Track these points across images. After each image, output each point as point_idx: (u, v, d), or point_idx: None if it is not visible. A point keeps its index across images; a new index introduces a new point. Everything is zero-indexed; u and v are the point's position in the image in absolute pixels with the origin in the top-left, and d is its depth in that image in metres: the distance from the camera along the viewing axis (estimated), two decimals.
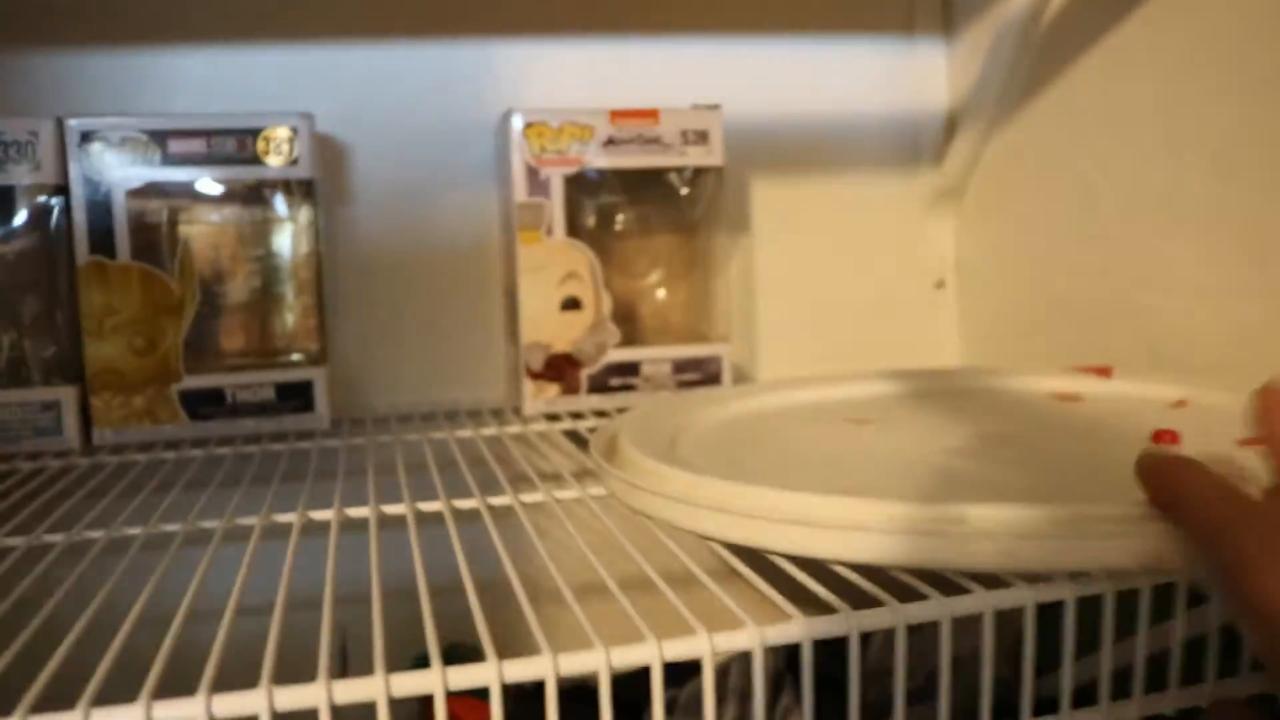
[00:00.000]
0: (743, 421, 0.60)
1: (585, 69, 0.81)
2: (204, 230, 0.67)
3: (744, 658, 0.62)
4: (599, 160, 0.72)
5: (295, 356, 0.69)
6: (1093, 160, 0.72)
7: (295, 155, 0.67)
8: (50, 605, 0.37)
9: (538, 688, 0.31)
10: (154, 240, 0.66)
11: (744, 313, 0.86)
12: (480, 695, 0.30)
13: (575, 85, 0.81)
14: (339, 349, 0.78)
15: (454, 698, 0.30)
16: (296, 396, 0.68)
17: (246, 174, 0.67)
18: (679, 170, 0.75)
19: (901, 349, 0.89)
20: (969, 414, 0.58)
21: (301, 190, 0.68)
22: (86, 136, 0.64)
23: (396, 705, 0.29)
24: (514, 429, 0.68)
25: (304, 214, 0.69)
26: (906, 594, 0.34)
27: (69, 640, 0.33)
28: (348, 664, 0.63)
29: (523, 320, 0.72)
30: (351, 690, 0.29)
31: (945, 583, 0.35)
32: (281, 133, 0.67)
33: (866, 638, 0.33)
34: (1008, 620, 0.35)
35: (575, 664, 0.31)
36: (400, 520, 0.48)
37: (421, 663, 0.30)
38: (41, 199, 0.65)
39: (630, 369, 0.74)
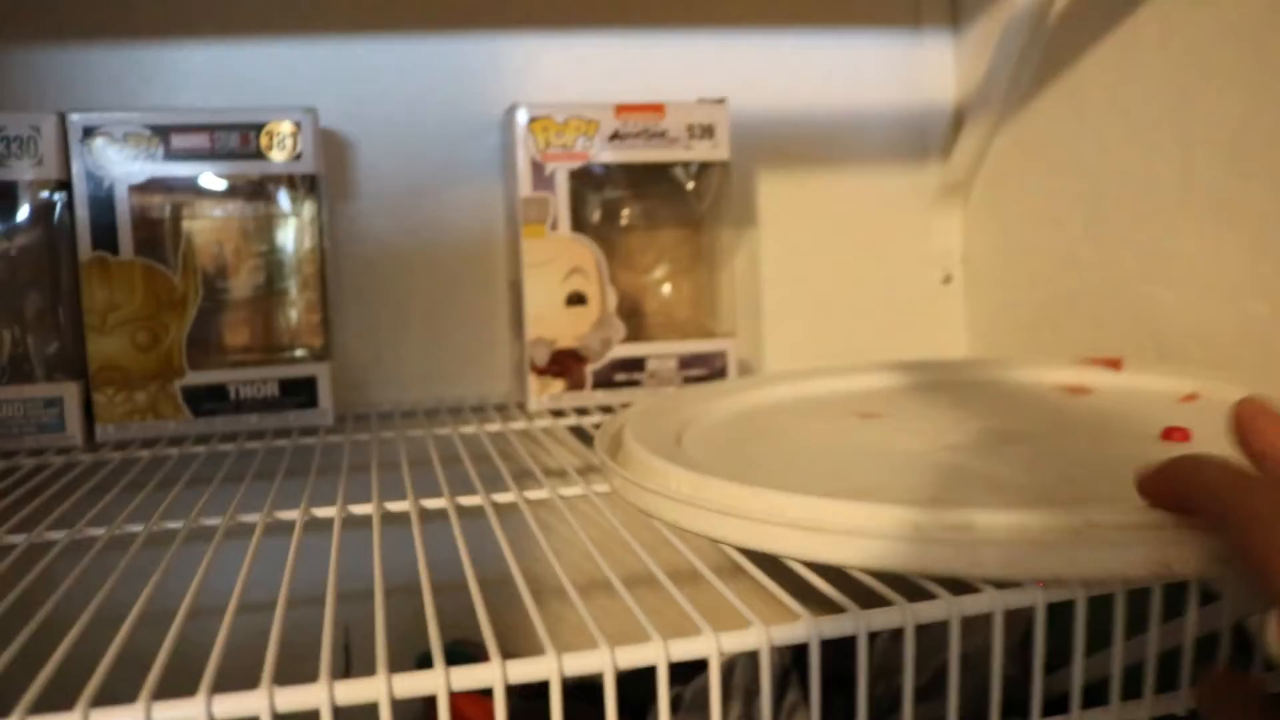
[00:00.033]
0: (749, 416, 0.59)
1: (591, 63, 0.81)
2: (207, 225, 0.67)
3: (750, 656, 0.61)
4: (604, 154, 0.72)
5: (299, 352, 0.69)
6: (1101, 154, 0.72)
7: (299, 150, 0.67)
8: (51, 603, 0.37)
9: (543, 683, 0.30)
10: (157, 236, 0.66)
11: (750, 308, 0.86)
12: (485, 690, 0.30)
13: (581, 79, 0.80)
14: (343, 345, 0.77)
15: (458, 693, 0.30)
16: (300, 392, 0.68)
17: (250, 169, 0.67)
18: (685, 165, 0.75)
19: (908, 344, 0.89)
20: (978, 408, 0.58)
21: (305, 185, 0.68)
22: (89, 132, 0.64)
23: (400, 702, 0.29)
24: (519, 425, 0.68)
25: (308, 209, 0.68)
26: (913, 591, 0.34)
27: (69, 638, 0.33)
28: (351, 661, 0.63)
29: (527, 315, 0.72)
30: (353, 691, 0.29)
31: (952, 579, 0.35)
32: (285, 127, 0.67)
33: (873, 635, 0.33)
34: (1013, 618, 0.35)
35: (580, 664, 0.30)
36: (404, 517, 0.48)
37: (425, 661, 0.30)
38: (44, 194, 0.64)
39: (635, 364, 0.74)
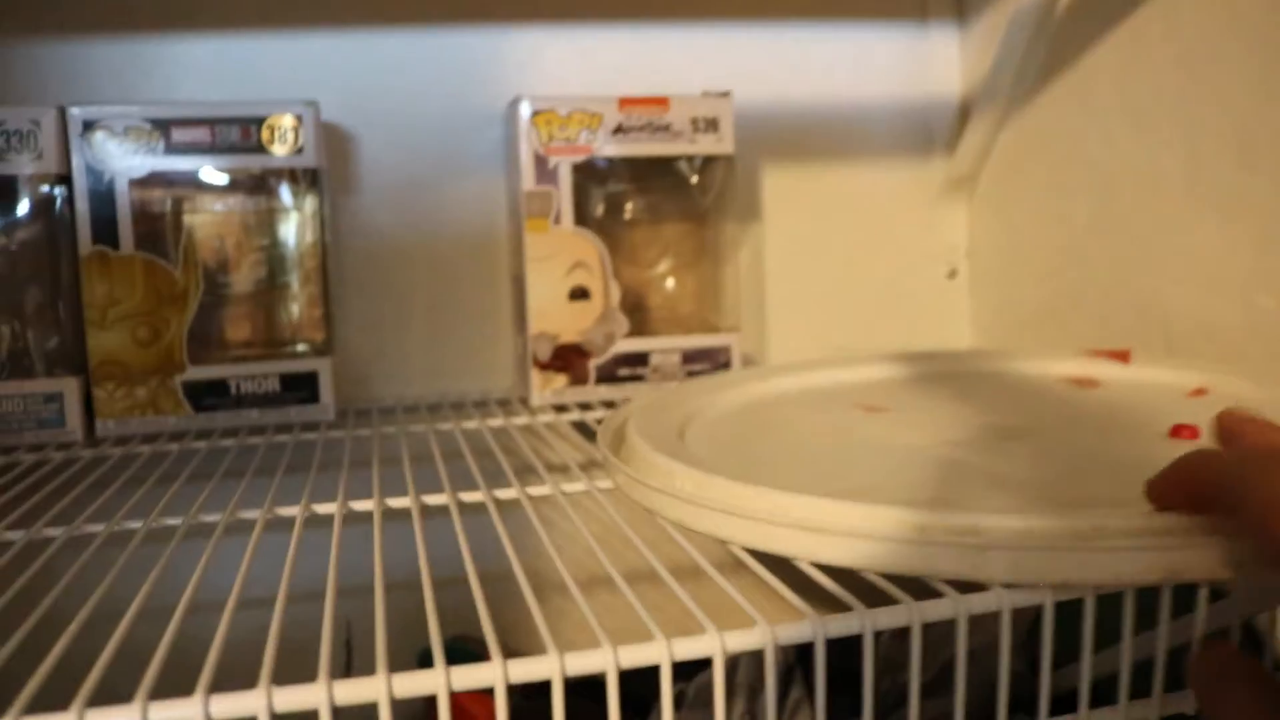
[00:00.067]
0: (754, 409, 0.59)
1: (594, 56, 0.80)
2: (208, 220, 0.67)
3: (754, 653, 0.61)
4: (608, 148, 0.71)
5: (300, 347, 0.69)
6: (1109, 147, 0.71)
7: (300, 144, 0.67)
8: (49, 599, 0.37)
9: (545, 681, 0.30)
10: (157, 230, 0.65)
11: (754, 302, 0.85)
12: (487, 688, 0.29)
13: (584, 72, 0.80)
14: (344, 340, 0.77)
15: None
16: (301, 388, 0.68)
17: (251, 163, 0.66)
18: (689, 158, 0.74)
19: (913, 339, 0.88)
20: (984, 401, 0.57)
21: (307, 179, 0.68)
22: (89, 125, 0.63)
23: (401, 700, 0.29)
24: (521, 420, 0.68)
25: (309, 203, 0.68)
26: (918, 587, 0.34)
27: (67, 635, 0.33)
28: (352, 657, 0.63)
29: (530, 310, 0.71)
30: (352, 691, 0.28)
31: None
32: (286, 121, 0.66)
33: (877, 633, 0.32)
34: (1017, 613, 0.35)
35: (582, 663, 0.30)
36: (405, 513, 0.47)
37: (426, 658, 0.30)
38: (44, 189, 0.64)
39: (639, 359, 0.73)
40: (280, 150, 0.66)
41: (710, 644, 0.31)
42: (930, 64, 0.87)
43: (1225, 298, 0.62)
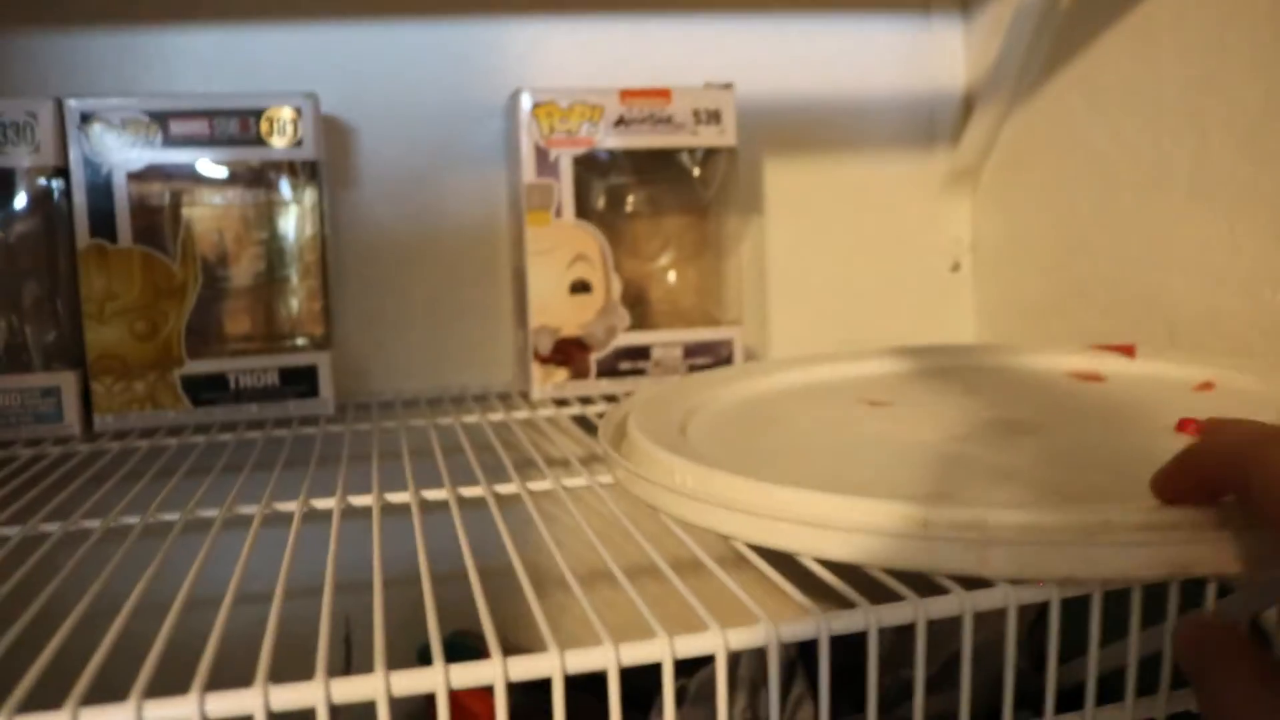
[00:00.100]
0: (756, 404, 0.59)
1: (595, 47, 0.80)
2: (207, 213, 0.66)
3: (756, 649, 0.61)
4: (609, 140, 0.71)
5: (300, 341, 0.68)
6: (1114, 140, 0.71)
7: (299, 136, 0.66)
8: (45, 595, 0.36)
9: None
10: (156, 223, 0.65)
11: (756, 296, 0.85)
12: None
13: (585, 64, 0.79)
14: (344, 333, 0.77)
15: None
16: (301, 382, 0.67)
17: (250, 155, 0.66)
18: (691, 151, 0.74)
19: (916, 333, 0.88)
20: (989, 396, 0.57)
21: (306, 172, 0.67)
22: (86, 118, 0.63)
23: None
24: (521, 414, 0.67)
25: (309, 196, 0.68)
26: (921, 582, 0.33)
27: (63, 631, 0.32)
28: (352, 653, 0.62)
29: (531, 304, 0.71)
30: (350, 689, 0.28)
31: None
32: (285, 113, 0.66)
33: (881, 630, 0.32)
34: (1020, 609, 0.34)
35: (583, 661, 0.30)
36: (405, 508, 0.47)
37: (426, 655, 0.29)
38: (42, 181, 0.63)
39: (640, 353, 0.73)
40: (279, 143, 0.66)
41: (713, 641, 0.30)
42: (934, 55, 0.86)
43: (1231, 291, 0.61)
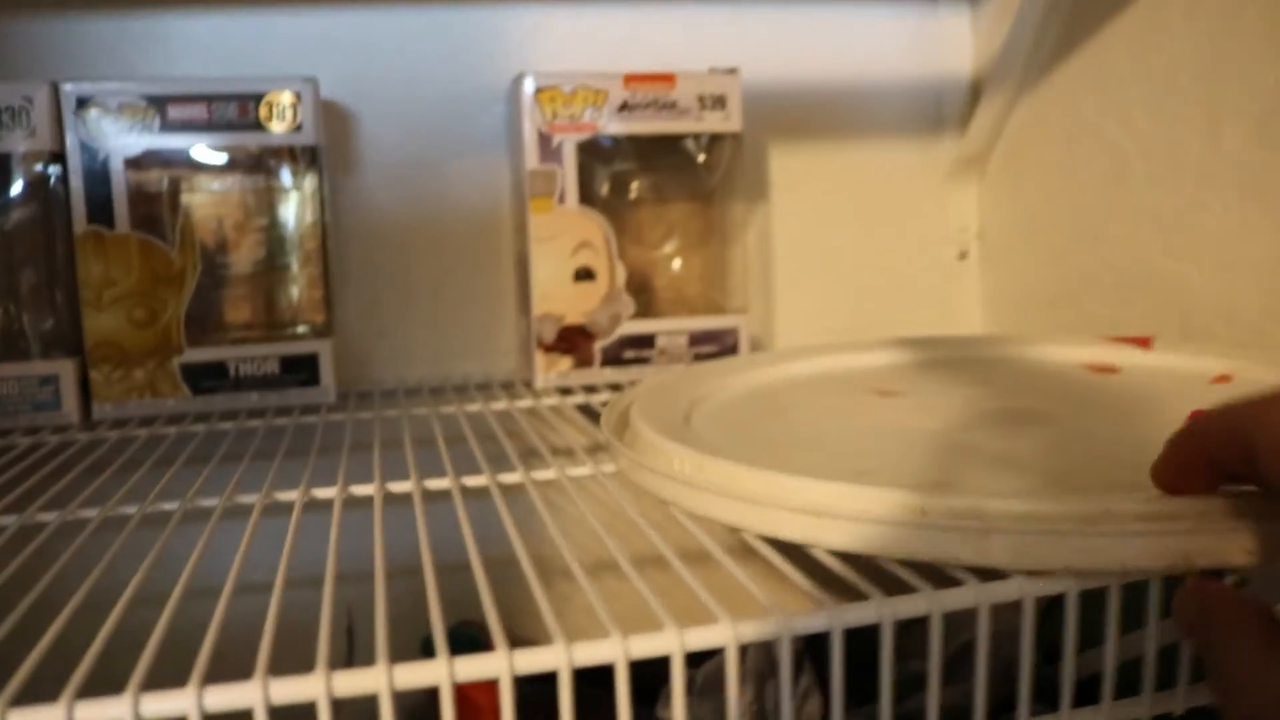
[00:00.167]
0: (763, 394, 0.58)
1: (599, 32, 0.79)
2: (205, 199, 0.65)
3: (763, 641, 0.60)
4: (613, 126, 0.70)
5: (300, 329, 0.67)
6: (1124, 127, 0.70)
7: (299, 121, 0.65)
8: (43, 584, 0.36)
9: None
10: (154, 209, 0.64)
11: (761, 284, 0.84)
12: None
13: (589, 49, 0.79)
14: (345, 321, 0.76)
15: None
16: (301, 370, 0.67)
17: (249, 140, 0.65)
18: (695, 136, 0.73)
19: (923, 321, 0.87)
20: (1001, 386, 0.56)
21: (306, 158, 0.66)
22: (83, 102, 0.62)
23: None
24: (525, 403, 0.66)
25: (309, 182, 0.67)
26: (931, 573, 0.33)
27: (61, 620, 0.32)
28: (354, 645, 0.62)
29: (534, 291, 0.70)
30: (352, 682, 0.27)
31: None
32: (285, 98, 0.65)
33: None
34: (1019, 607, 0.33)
35: (590, 654, 0.29)
36: (407, 497, 0.46)
37: (429, 646, 0.29)
38: (38, 167, 0.63)
39: (645, 341, 0.72)
40: (278, 128, 0.65)
41: (723, 634, 0.30)
42: (941, 41, 0.85)
43: (1245, 280, 0.60)
